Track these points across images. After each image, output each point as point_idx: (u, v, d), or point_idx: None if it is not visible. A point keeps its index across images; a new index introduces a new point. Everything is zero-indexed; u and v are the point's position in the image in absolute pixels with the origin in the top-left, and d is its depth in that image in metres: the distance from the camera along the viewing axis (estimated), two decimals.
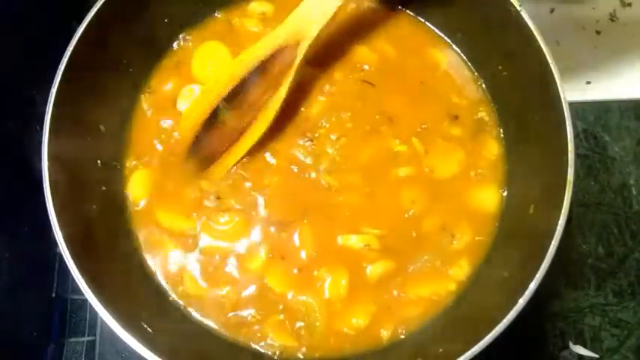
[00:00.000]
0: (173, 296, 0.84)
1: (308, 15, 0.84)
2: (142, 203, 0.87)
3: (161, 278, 0.84)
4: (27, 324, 0.92)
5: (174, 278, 0.84)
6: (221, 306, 0.83)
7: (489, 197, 0.87)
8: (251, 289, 0.83)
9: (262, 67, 0.86)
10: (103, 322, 0.70)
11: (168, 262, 0.85)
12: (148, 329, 0.74)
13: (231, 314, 0.82)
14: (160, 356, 0.68)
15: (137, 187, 0.88)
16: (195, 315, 0.83)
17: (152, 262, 0.85)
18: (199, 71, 0.93)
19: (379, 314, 0.81)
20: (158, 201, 0.87)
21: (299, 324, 0.81)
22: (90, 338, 0.96)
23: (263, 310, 0.82)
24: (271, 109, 0.86)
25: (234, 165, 0.87)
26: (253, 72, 0.86)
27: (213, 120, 0.86)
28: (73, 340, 0.96)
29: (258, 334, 0.81)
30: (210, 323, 0.82)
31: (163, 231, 0.86)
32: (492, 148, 0.89)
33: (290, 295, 0.82)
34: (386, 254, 0.83)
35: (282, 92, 0.86)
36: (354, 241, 0.83)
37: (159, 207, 0.87)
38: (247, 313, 0.82)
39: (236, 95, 0.86)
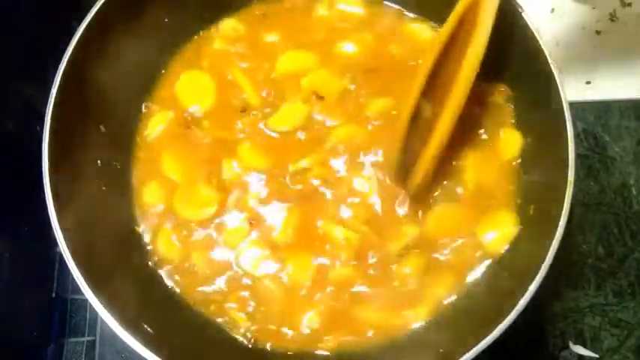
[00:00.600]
0: (177, 297, 0.84)
1: None
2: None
3: (162, 272, 0.85)
4: (27, 324, 0.92)
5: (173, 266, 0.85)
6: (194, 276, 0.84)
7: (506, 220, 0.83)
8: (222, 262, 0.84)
9: (449, 47, 0.78)
10: (103, 322, 0.70)
11: (169, 256, 0.85)
12: (148, 329, 0.74)
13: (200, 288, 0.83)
14: (160, 356, 0.68)
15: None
16: (197, 314, 0.83)
17: (153, 259, 0.85)
18: (185, 96, 0.92)
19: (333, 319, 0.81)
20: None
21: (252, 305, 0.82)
22: (90, 338, 0.96)
23: (228, 286, 0.83)
24: (463, 80, 0.75)
25: (431, 166, 0.78)
26: (442, 54, 0.78)
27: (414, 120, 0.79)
28: (73, 340, 0.96)
29: (223, 312, 0.82)
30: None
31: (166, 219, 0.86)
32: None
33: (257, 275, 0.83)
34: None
35: (464, 71, 0.74)
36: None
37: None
38: (214, 287, 0.83)
39: (430, 84, 0.79)
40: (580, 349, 0.94)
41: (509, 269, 0.79)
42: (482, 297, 0.80)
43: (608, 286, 0.97)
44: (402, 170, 0.82)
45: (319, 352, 0.81)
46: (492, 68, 0.90)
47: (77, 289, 0.71)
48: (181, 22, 0.94)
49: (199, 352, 0.80)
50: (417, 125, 0.79)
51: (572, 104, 0.75)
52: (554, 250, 0.70)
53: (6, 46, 0.91)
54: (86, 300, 0.70)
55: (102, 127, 0.86)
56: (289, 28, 0.95)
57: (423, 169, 0.78)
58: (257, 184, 0.86)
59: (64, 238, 0.72)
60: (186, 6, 0.93)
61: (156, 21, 0.90)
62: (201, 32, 0.96)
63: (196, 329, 0.82)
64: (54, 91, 0.76)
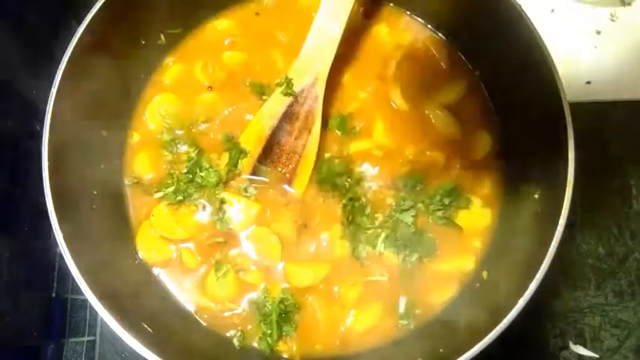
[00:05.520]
0: (176, 298, 0.84)
1: (318, 47, 0.84)
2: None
3: (163, 275, 0.85)
4: (27, 324, 0.92)
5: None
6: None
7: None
8: None
9: (288, 114, 0.86)
10: (103, 322, 0.70)
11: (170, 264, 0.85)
12: (148, 329, 0.74)
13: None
14: (160, 356, 0.68)
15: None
16: (195, 314, 0.83)
17: (148, 258, 0.86)
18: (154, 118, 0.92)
19: None
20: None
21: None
22: (90, 338, 0.96)
23: None
24: (311, 152, 0.86)
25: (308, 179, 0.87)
26: (281, 121, 0.86)
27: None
28: (73, 340, 0.96)
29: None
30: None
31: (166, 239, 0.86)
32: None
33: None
34: None
35: (316, 133, 0.86)
36: None
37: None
38: None
39: (270, 149, 0.87)
40: (580, 349, 0.94)
41: (508, 269, 0.79)
42: (481, 297, 0.81)
43: (608, 286, 0.97)
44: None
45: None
46: (491, 68, 0.90)
47: (77, 289, 0.71)
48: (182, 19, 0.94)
49: (199, 351, 0.80)
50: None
51: (572, 104, 0.75)
52: (554, 250, 0.70)
53: (6, 45, 0.90)
54: (86, 300, 0.70)
55: (102, 126, 0.86)
56: None
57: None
58: None
59: (64, 238, 0.72)
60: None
61: (154, 20, 0.90)
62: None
63: (195, 328, 0.83)
64: (54, 90, 0.76)
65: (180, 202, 0.86)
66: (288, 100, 0.86)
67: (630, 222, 1.00)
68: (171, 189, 0.86)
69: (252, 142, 0.87)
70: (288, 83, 0.86)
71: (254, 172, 0.87)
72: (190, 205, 0.86)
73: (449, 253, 0.85)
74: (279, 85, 0.87)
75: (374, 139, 0.90)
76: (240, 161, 0.87)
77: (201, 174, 0.86)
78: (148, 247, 0.86)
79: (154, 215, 0.86)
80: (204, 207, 0.86)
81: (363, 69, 0.94)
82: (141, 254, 0.85)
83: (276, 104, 0.87)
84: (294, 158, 0.86)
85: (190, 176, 0.86)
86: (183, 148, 0.89)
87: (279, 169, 0.87)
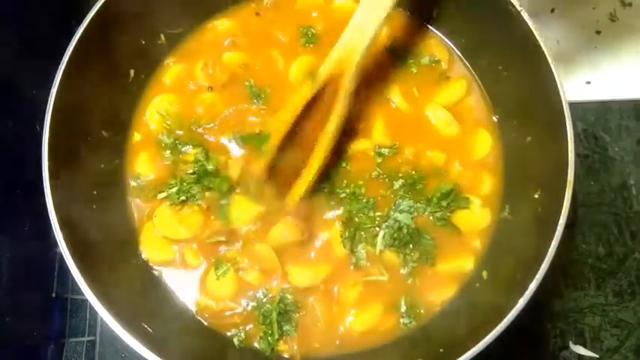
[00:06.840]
0: (177, 297, 0.84)
1: (350, 44, 0.81)
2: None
3: (164, 275, 0.85)
4: (27, 324, 0.92)
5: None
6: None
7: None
8: None
9: (313, 101, 0.84)
10: (103, 322, 0.70)
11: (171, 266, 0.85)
12: (148, 329, 0.74)
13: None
14: (159, 356, 0.68)
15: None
16: (196, 314, 0.83)
17: (151, 258, 0.86)
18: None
19: None
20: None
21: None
22: (90, 338, 0.96)
23: None
24: (323, 145, 0.83)
25: (305, 192, 0.84)
26: (305, 108, 0.84)
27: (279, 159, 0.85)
28: (73, 340, 0.96)
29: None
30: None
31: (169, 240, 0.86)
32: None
33: None
34: None
35: (331, 127, 0.83)
36: None
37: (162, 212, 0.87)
38: None
39: (294, 134, 0.84)
40: (580, 349, 0.94)
41: (508, 269, 0.79)
42: (481, 297, 0.81)
43: (608, 286, 0.97)
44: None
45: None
46: (491, 68, 0.91)
47: (77, 289, 0.71)
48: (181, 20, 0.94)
49: (199, 351, 0.80)
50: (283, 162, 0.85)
51: (572, 104, 0.75)
52: (554, 250, 0.70)
53: (6, 45, 0.91)
54: (86, 300, 0.70)
55: (102, 126, 0.86)
56: None
57: (298, 192, 0.84)
58: None
59: (64, 238, 0.72)
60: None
61: (154, 20, 0.90)
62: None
63: (196, 328, 0.83)
64: (54, 90, 0.76)
65: (182, 202, 0.86)
66: (316, 88, 0.83)
67: (630, 222, 1.00)
68: (174, 189, 0.85)
69: (277, 129, 0.84)
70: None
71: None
72: (193, 205, 0.86)
73: (449, 253, 0.85)
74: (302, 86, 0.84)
75: (374, 139, 0.90)
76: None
77: (214, 180, 0.86)
78: (150, 247, 0.86)
79: (157, 216, 0.86)
80: (206, 207, 0.86)
81: (363, 69, 0.93)
82: (144, 255, 0.85)
83: (303, 93, 0.84)
84: (311, 147, 0.84)
85: (196, 177, 0.86)
86: (184, 148, 0.89)
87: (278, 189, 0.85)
